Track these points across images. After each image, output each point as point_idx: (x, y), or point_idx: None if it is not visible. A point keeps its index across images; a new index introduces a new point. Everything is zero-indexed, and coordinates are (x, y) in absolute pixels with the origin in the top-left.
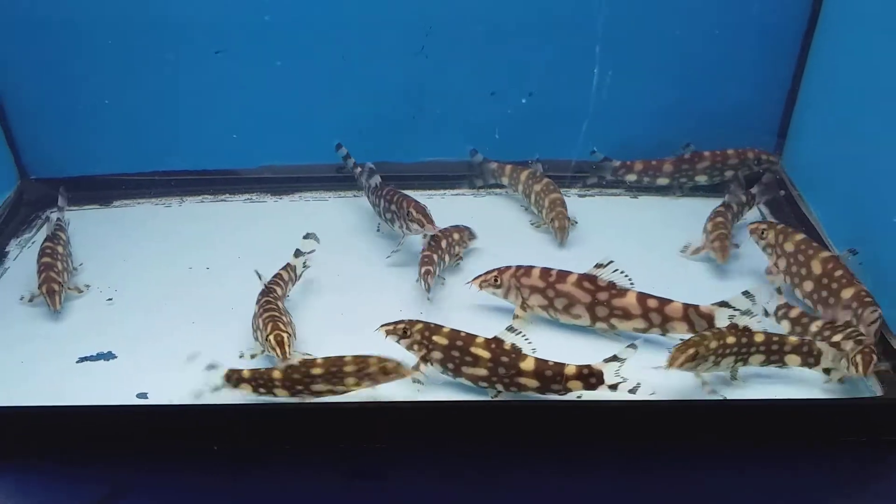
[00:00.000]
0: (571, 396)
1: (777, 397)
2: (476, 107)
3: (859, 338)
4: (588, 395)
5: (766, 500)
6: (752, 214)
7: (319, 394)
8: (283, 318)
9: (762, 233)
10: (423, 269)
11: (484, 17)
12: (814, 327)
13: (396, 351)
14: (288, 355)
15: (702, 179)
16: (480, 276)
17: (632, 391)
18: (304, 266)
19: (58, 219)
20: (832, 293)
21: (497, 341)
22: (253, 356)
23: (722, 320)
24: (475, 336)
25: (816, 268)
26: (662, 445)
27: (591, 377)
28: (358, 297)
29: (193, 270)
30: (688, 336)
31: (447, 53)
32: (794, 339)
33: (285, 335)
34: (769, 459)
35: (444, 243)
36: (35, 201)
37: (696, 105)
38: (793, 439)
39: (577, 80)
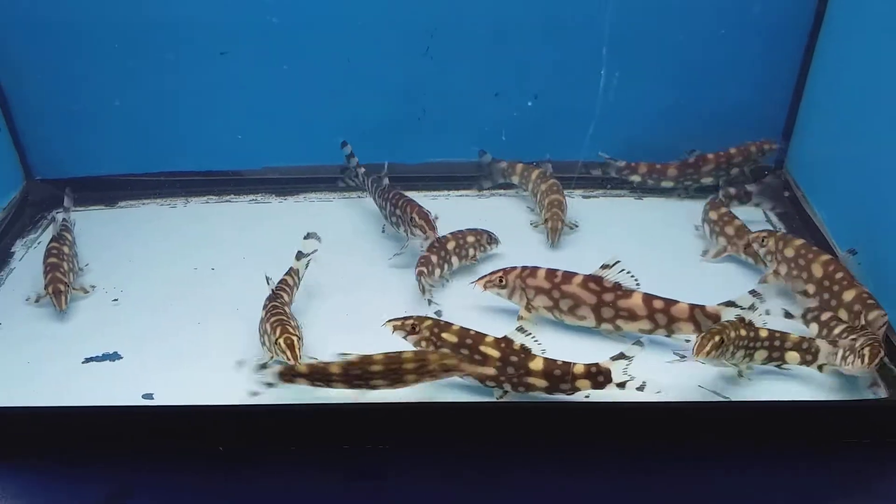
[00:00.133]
0: (579, 397)
1: (779, 398)
2: (480, 108)
3: (871, 335)
4: (595, 395)
5: (767, 501)
6: (752, 215)
7: (378, 388)
8: (292, 322)
9: (762, 240)
10: (416, 271)
11: (488, 19)
12: (837, 329)
13: (402, 347)
14: (298, 359)
15: (708, 180)
16: (485, 276)
17: (639, 388)
18: (307, 267)
19: (64, 219)
20: (833, 295)
21: (507, 341)
22: (263, 365)
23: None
24: (485, 335)
25: (817, 271)
26: (664, 445)
27: (598, 375)
28: (362, 298)
29: (198, 271)
30: (693, 337)
31: (452, 55)
32: (794, 336)
33: (295, 338)
34: (771, 460)
35: (451, 245)
36: (40, 202)
37: (701, 106)
38: (795, 440)
39: (581, 82)
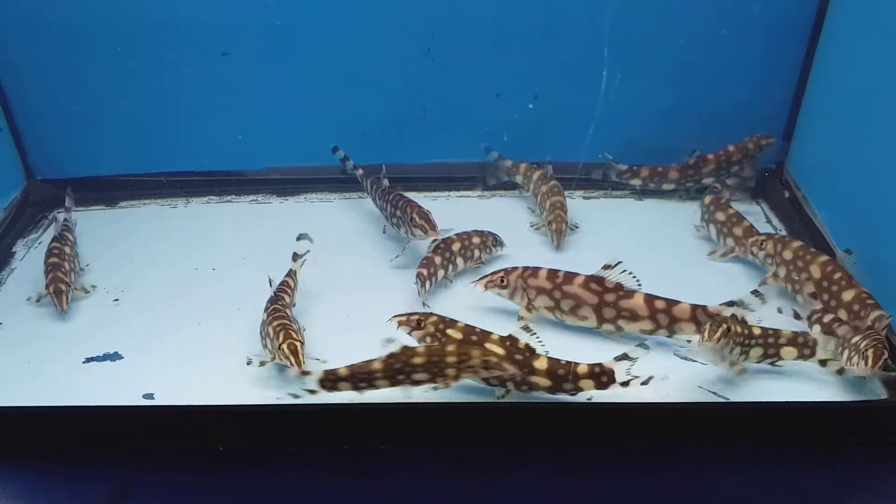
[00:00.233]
0: (581, 398)
1: (780, 399)
2: (481, 109)
3: (875, 336)
4: (598, 395)
5: (768, 501)
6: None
7: (420, 383)
8: (294, 325)
9: (761, 244)
10: (416, 271)
11: (489, 20)
12: (840, 331)
13: (407, 339)
14: (302, 364)
15: (709, 180)
16: (486, 276)
17: (644, 383)
18: (301, 267)
19: (65, 219)
20: (833, 296)
21: (511, 339)
22: (262, 363)
23: None
24: (489, 332)
25: (815, 272)
26: (665, 445)
27: (602, 375)
28: (363, 298)
29: (199, 271)
30: (694, 337)
31: (452, 55)
32: (788, 332)
33: (298, 343)
34: (772, 460)
35: (456, 247)
36: (41, 202)
37: (702, 107)
38: (796, 440)
39: (581, 82)
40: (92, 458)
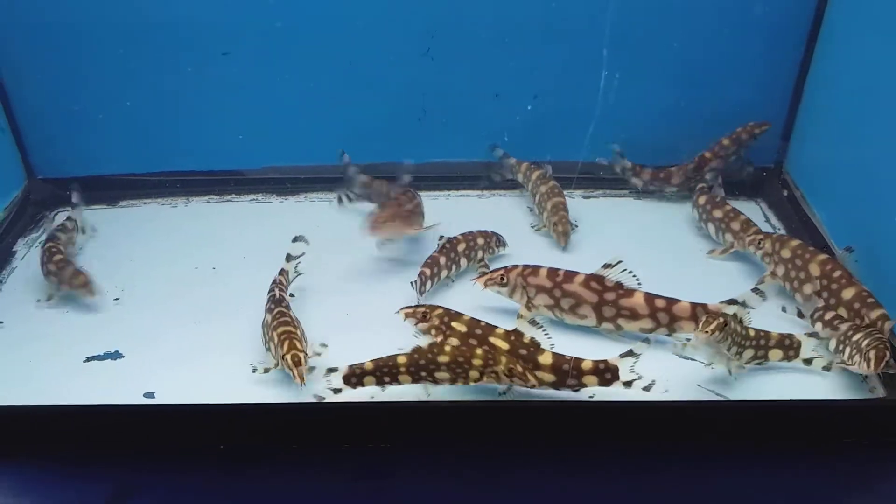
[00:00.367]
0: (583, 396)
1: (780, 398)
2: (481, 109)
3: (877, 335)
4: (599, 395)
5: (768, 501)
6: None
7: (441, 382)
8: (297, 331)
9: (759, 243)
10: (420, 270)
11: (489, 20)
12: (842, 328)
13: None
14: (304, 377)
15: (710, 176)
16: (486, 274)
17: (646, 388)
18: (296, 272)
19: (68, 217)
20: (832, 294)
21: (517, 333)
22: (266, 370)
23: None
24: (494, 326)
25: (815, 270)
26: (665, 445)
27: (606, 372)
28: (362, 298)
29: (199, 270)
30: (693, 335)
31: (452, 55)
32: (776, 333)
33: (302, 355)
34: (772, 460)
35: (461, 247)
36: (42, 201)
37: (702, 107)
38: (795, 440)
39: (581, 82)
40: (93, 458)
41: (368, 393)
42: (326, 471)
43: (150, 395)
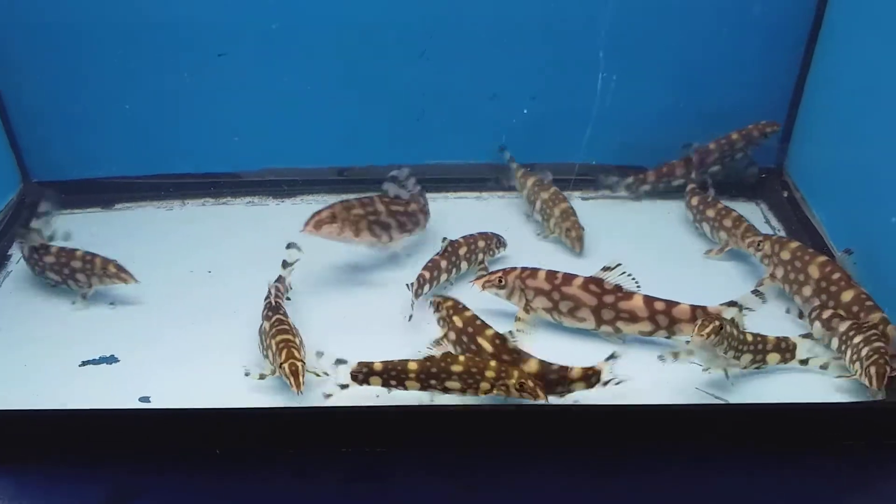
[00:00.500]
0: (569, 399)
1: (780, 400)
2: (480, 110)
3: (876, 344)
4: (599, 397)
5: (768, 502)
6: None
7: (451, 391)
8: (296, 340)
9: (758, 244)
10: (419, 273)
11: (487, 20)
12: (841, 328)
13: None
14: (301, 387)
15: (715, 168)
16: (484, 276)
17: (617, 383)
18: (288, 294)
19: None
20: (831, 296)
21: (502, 338)
22: (262, 377)
23: None
24: (487, 326)
25: (814, 272)
26: (665, 446)
27: (593, 377)
28: (361, 299)
29: (195, 273)
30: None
31: (449, 56)
32: (772, 337)
33: (300, 364)
34: (772, 461)
35: (462, 251)
36: (37, 204)
37: (701, 108)
38: (795, 442)
39: (580, 83)
40: (88, 462)
41: (373, 394)
42: (325, 473)
43: (145, 399)
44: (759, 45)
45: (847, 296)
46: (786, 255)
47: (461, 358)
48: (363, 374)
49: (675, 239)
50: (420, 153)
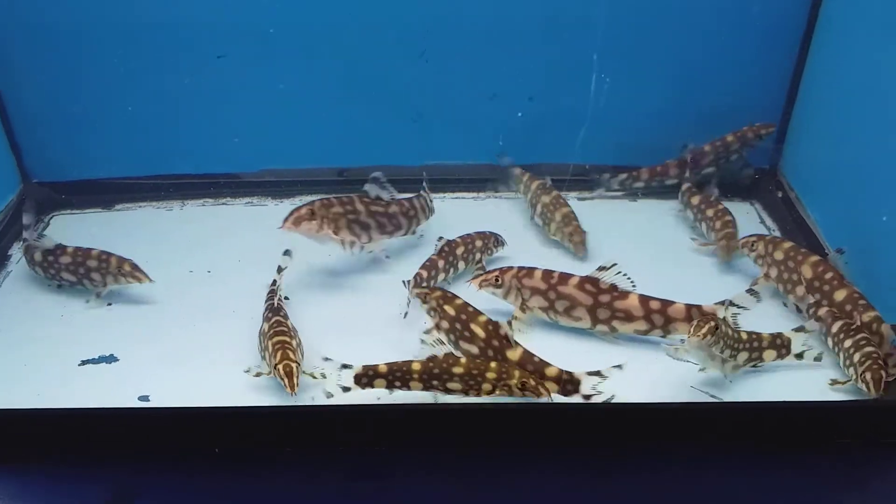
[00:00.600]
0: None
1: (778, 398)
2: (477, 111)
3: (867, 349)
4: (601, 396)
5: (767, 501)
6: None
7: (452, 392)
8: (293, 341)
9: (752, 245)
10: (416, 272)
11: (485, 21)
12: (835, 328)
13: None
14: (295, 388)
15: (710, 170)
16: (481, 275)
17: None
18: (285, 297)
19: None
20: (824, 296)
21: (495, 325)
22: (258, 375)
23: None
24: (480, 313)
25: (807, 272)
26: (665, 445)
27: (568, 384)
28: (358, 300)
29: (194, 273)
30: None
31: (448, 57)
32: (767, 334)
33: (294, 365)
34: (771, 460)
35: (460, 250)
36: (37, 204)
37: (697, 108)
38: (792, 440)
39: (579, 83)
40: (87, 461)
41: (373, 394)
42: (325, 473)
43: (144, 398)
44: (754, 47)
45: (840, 295)
46: (779, 256)
47: (462, 360)
48: (368, 377)
49: (671, 239)
50: (419, 153)
